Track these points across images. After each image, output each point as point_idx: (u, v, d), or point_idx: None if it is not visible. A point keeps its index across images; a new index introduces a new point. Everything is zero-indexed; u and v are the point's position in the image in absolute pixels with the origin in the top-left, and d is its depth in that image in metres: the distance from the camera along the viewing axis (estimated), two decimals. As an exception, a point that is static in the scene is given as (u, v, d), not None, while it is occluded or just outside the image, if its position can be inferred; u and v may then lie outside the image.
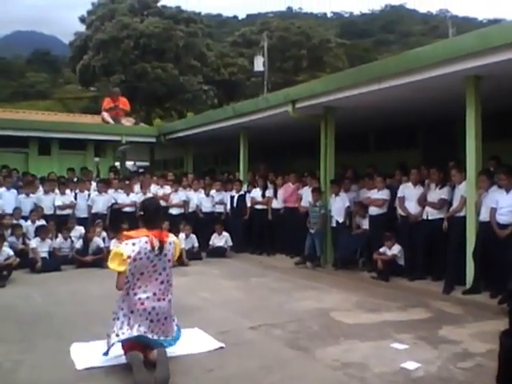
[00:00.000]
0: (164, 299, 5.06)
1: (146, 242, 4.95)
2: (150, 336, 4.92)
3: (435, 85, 8.50)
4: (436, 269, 9.02)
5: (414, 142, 13.74)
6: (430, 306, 7.64)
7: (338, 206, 10.97)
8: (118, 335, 4.88)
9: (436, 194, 9.13)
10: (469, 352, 5.50)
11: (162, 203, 13.14)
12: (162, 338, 5.01)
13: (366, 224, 10.59)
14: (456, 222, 8.52)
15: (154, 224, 5.15)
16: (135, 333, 4.86)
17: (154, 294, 4.99)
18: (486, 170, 8.31)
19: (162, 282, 5.06)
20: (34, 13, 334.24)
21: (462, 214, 8.45)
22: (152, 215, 5.22)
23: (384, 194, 10.14)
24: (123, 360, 4.97)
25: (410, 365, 5.06)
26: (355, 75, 9.69)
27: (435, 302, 7.84)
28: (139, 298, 4.92)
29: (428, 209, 9.17)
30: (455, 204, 8.67)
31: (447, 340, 5.94)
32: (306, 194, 11.90)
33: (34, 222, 11.79)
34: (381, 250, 9.69)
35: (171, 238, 5.27)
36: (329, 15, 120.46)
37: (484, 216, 7.91)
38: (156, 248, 4.97)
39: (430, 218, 9.13)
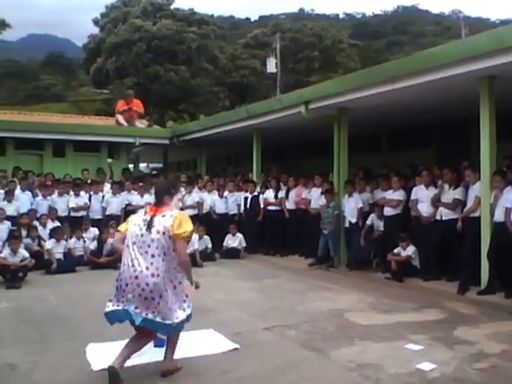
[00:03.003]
0: (158, 275, 4.69)
1: (140, 212, 5.05)
2: (142, 314, 4.64)
3: (449, 85, 8.47)
4: (450, 269, 8.98)
5: (428, 143, 13.67)
6: (445, 306, 7.60)
7: (351, 206, 10.90)
8: (113, 304, 4.78)
9: (450, 194, 9.08)
10: (484, 353, 5.47)
11: (176, 205, 13.19)
12: (157, 319, 4.68)
13: (381, 226, 10.50)
14: (470, 222, 8.46)
15: (159, 201, 5.02)
16: (122, 306, 4.70)
17: (147, 269, 4.68)
18: (501, 169, 8.25)
19: (153, 256, 4.73)
20: (47, 16, 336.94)
21: (476, 214, 8.39)
22: (157, 192, 5.14)
23: (399, 195, 10.08)
24: (140, 361, 5.00)
25: (426, 366, 5.05)
26: (368, 76, 9.67)
27: (450, 302, 7.81)
28: (134, 270, 4.69)
29: (442, 209, 9.12)
30: (469, 204, 8.62)
31: (462, 341, 5.91)
32: (315, 196, 11.91)
33: (44, 225, 11.84)
34: (395, 250, 9.65)
35: (169, 212, 4.91)
36: (341, 16, 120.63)
37: (499, 216, 7.85)
38: (145, 217, 4.89)
39: (444, 218, 9.08)
